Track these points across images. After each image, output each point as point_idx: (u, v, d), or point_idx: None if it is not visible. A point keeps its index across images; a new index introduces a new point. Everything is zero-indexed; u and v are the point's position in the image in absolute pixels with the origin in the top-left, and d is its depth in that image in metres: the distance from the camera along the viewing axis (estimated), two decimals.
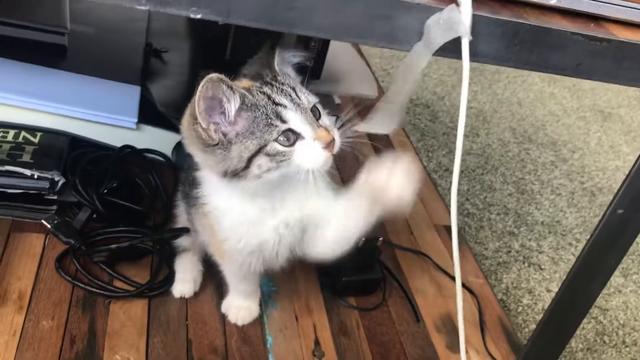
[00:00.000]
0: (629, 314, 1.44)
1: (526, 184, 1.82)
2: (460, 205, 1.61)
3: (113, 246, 0.95)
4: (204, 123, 0.67)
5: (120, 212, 1.02)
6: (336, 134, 0.72)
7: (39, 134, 1.07)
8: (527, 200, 1.75)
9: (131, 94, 1.19)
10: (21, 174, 0.98)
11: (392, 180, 0.70)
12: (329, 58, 1.43)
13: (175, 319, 0.91)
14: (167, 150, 1.16)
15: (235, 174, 0.70)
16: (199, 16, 0.57)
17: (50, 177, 0.99)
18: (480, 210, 1.66)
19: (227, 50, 1.24)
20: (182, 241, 0.98)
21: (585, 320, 1.09)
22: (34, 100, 1.08)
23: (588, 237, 1.63)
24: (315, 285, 1.02)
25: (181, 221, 0.98)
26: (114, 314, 0.89)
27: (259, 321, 0.93)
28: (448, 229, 1.23)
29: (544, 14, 0.64)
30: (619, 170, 2.02)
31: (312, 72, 1.40)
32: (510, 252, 1.54)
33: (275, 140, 0.69)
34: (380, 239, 1.00)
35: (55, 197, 1.00)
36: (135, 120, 1.14)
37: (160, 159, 1.16)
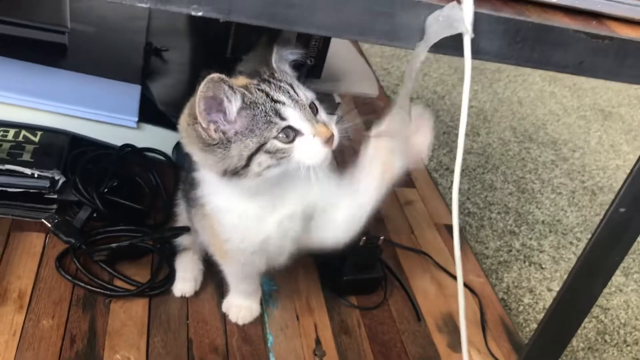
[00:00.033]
0: (630, 313, 1.44)
1: (527, 183, 1.82)
2: (461, 205, 1.60)
3: (113, 245, 0.94)
4: (204, 123, 0.67)
5: (120, 211, 1.02)
6: (335, 129, 0.72)
7: (39, 133, 1.07)
8: (528, 199, 1.75)
9: (131, 92, 1.19)
10: (21, 172, 0.98)
11: (411, 128, 0.71)
12: (329, 57, 1.43)
13: (176, 318, 0.90)
14: (168, 149, 1.16)
15: (235, 173, 0.70)
16: (200, 14, 0.56)
17: (50, 176, 0.99)
18: (481, 210, 1.66)
19: (228, 48, 1.24)
20: (183, 240, 0.97)
21: (586, 320, 1.08)
22: (34, 99, 1.08)
23: (589, 236, 1.64)
24: (316, 284, 1.02)
25: (182, 220, 0.98)
26: (115, 313, 0.89)
27: (259, 320, 0.93)
28: (449, 227, 1.23)
29: (545, 12, 0.64)
30: (620, 169, 2.02)
31: (312, 71, 1.39)
32: (511, 251, 1.54)
33: (275, 137, 0.69)
34: (381, 237, 1.00)
35: (55, 196, 1.00)
36: (136, 119, 1.14)
37: (161, 157, 1.16)
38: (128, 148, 1.13)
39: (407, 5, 0.58)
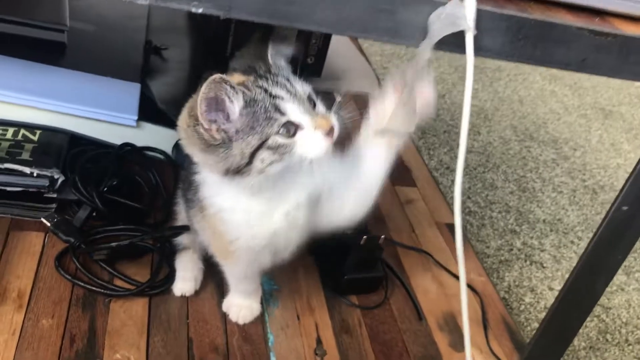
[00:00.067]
0: (632, 312, 1.44)
1: (527, 182, 1.82)
2: (461, 203, 1.60)
3: (113, 244, 0.94)
4: (206, 124, 0.67)
5: (120, 210, 1.01)
6: (334, 120, 0.71)
7: (38, 132, 1.06)
8: (529, 198, 1.74)
9: (131, 91, 1.18)
10: (20, 171, 0.97)
11: (416, 83, 0.69)
12: (329, 56, 1.43)
13: (176, 318, 0.90)
14: (168, 147, 1.15)
15: (237, 171, 0.69)
16: (200, 10, 0.56)
17: (49, 175, 0.98)
18: (482, 208, 1.65)
19: (228, 46, 1.24)
20: (183, 239, 0.97)
21: (587, 319, 1.08)
22: (34, 97, 1.08)
23: (590, 234, 1.64)
24: (317, 283, 1.02)
25: (181, 219, 0.97)
26: (114, 312, 0.88)
27: (260, 320, 0.93)
28: (450, 226, 1.23)
29: (548, 9, 0.63)
30: (621, 168, 2.02)
31: (312, 70, 1.39)
32: (512, 250, 1.53)
33: (277, 133, 0.68)
34: (382, 236, 0.99)
35: (54, 195, 0.99)
36: (135, 117, 1.14)
37: (161, 156, 1.16)
38: (128, 147, 1.13)
39: (409, 2, 0.58)
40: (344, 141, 0.76)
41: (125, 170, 1.09)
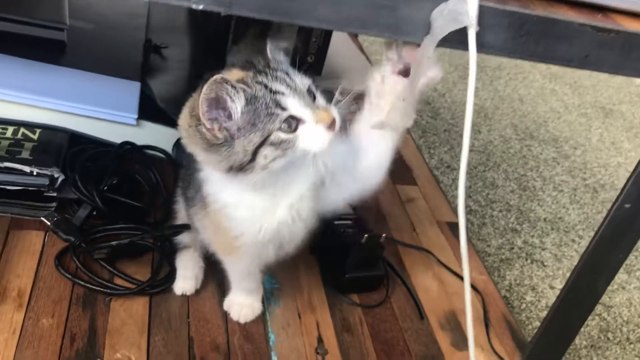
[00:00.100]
0: (633, 310, 1.44)
1: (528, 181, 1.81)
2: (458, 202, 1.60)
3: (113, 243, 0.93)
4: (208, 124, 0.67)
5: (120, 209, 1.01)
6: (335, 113, 0.71)
7: (38, 131, 1.06)
8: (530, 197, 1.74)
9: (131, 90, 1.18)
10: (20, 170, 0.97)
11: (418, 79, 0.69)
12: (329, 54, 1.42)
13: (177, 317, 0.90)
14: (168, 146, 1.15)
15: (241, 168, 0.69)
16: (200, 7, 0.56)
17: (49, 173, 0.98)
18: (483, 207, 1.65)
19: (228, 44, 1.24)
20: (183, 238, 0.97)
21: (589, 317, 1.08)
22: (33, 96, 1.07)
23: (591, 233, 1.63)
24: (318, 282, 1.01)
25: (181, 217, 0.97)
26: (115, 311, 0.88)
27: (261, 318, 0.92)
28: (451, 225, 1.23)
29: (550, 5, 0.63)
30: (621, 166, 2.01)
31: (313, 68, 1.39)
32: (513, 248, 1.53)
33: (279, 129, 0.68)
34: (383, 235, 0.99)
35: (54, 194, 0.99)
36: (135, 116, 1.13)
37: (161, 155, 1.15)
38: (128, 145, 1.12)
39: None
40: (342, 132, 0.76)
41: (125, 169, 1.09)
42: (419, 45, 0.61)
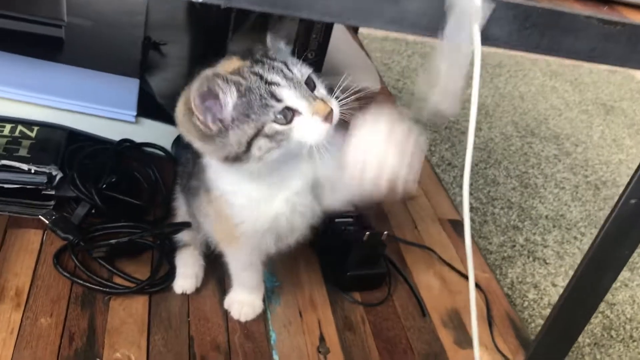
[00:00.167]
0: (636, 308, 1.43)
1: (530, 178, 1.80)
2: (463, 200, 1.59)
3: (112, 241, 0.93)
4: (200, 116, 0.66)
5: (119, 207, 1.00)
6: (334, 104, 0.70)
7: (36, 128, 1.05)
8: (531, 194, 1.73)
9: (130, 87, 1.17)
10: (18, 168, 0.96)
11: (382, 157, 0.64)
12: (330, 51, 1.41)
13: (177, 316, 0.89)
14: (167, 143, 1.14)
15: (236, 159, 0.69)
16: (200, 0, 0.54)
17: (47, 171, 0.97)
18: (484, 205, 1.64)
19: (227, 40, 1.22)
20: (183, 236, 0.96)
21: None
22: (31, 93, 1.06)
23: (593, 230, 1.62)
24: (319, 279, 1.00)
25: (181, 215, 0.96)
26: (114, 310, 0.87)
27: (262, 317, 0.92)
28: (453, 222, 1.22)
29: None
30: (623, 163, 2.00)
31: (313, 65, 1.38)
32: (514, 246, 1.52)
33: (273, 120, 0.67)
34: (385, 233, 0.98)
35: (52, 192, 0.98)
36: (134, 113, 1.12)
37: (160, 152, 1.14)
38: (126, 143, 1.11)
39: None
40: (345, 127, 0.75)
41: (124, 166, 1.08)
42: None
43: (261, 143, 0.68)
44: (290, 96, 0.68)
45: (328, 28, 1.33)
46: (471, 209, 1.61)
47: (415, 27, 0.58)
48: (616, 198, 0.76)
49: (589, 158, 1.99)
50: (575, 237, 1.60)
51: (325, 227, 0.91)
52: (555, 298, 1.37)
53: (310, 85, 0.70)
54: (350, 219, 1.01)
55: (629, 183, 0.75)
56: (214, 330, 0.88)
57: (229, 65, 0.71)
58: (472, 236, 1.44)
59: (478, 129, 1.99)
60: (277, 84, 0.68)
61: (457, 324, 0.99)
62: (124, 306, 0.88)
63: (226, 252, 0.87)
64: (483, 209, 1.62)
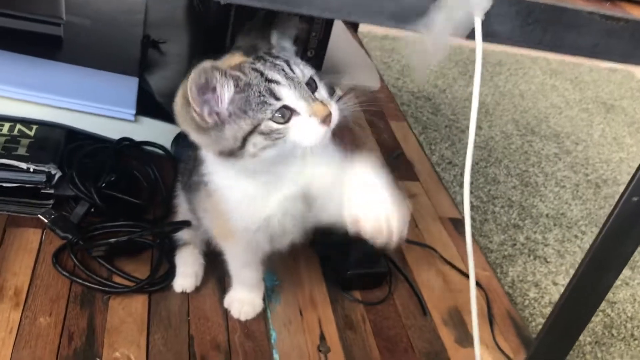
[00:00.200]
0: (637, 306, 1.42)
1: (530, 177, 1.80)
2: (463, 198, 1.59)
3: (112, 240, 0.92)
4: (197, 107, 0.66)
5: (118, 205, 1.00)
6: (334, 107, 0.70)
7: (34, 127, 1.04)
8: (532, 193, 1.73)
9: (129, 85, 1.17)
10: (17, 167, 0.95)
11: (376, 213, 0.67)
12: (329, 49, 1.41)
13: (177, 315, 0.88)
14: (166, 142, 1.13)
15: (231, 154, 0.69)
16: None
17: (46, 170, 0.96)
18: (484, 203, 1.64)
19: (227, 39, 1.22)
20: (183, 234, 0.95)
21: None
22: (30, 92, 1.06)
23: (593, 229, 1.62)
24: (319, 278, 1.00)
25: (181, 212, 0.96)
26: (113, 310, 0.87)
27: (262, 316, 0.91)
28: (453, 221, 1.21)
29: None
30: (623, 162, 2.00)
31: (313, 63, 1.37)
32: (515, 245, 1.52)
33: (270, 118, 0.67)
34: None
35: (52, 191, 0.97)
36: (133, 111, 1.12)
37: (159, 151, 1.14)
38: (126, 141, 1.11)
39: None
40: (344, 133, 0.74)
41: (123, 165, 1.07)
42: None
43: (256, 140, 0.68)
44: (289, 95, 0.68)
45: (328, 26, 1.33)
46: (472, 207, 1.60)
47: (416, 23, 0.58)
48: (617, 196, 0.76)
49: (589, 156, 1.99)
50: (575, 236, 1.60)
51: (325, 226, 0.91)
52: (556, 297, 1.37)
53: (311, 86, 0.70)
54: None
55: (630, 180, 0.75)
56: (214, 329, 0.88)
57: (231, 60, 0.71)
58: (473, 235, 1.44)
59: (478, 127, 1.99)
60: (277, 82, 0.68)
61: (458, 322, 0.99)
62: (123, 305, 0.87)
63: (223, 248, 0.87)
64: (483, 208, 1.62)
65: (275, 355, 0.86)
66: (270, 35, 0.72)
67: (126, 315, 0.86)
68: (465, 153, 0.63)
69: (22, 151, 0.98)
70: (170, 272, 0.93)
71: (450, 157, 1.77)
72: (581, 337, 1.29)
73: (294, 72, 0.69)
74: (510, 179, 1.76)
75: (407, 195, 1.24)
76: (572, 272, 1.45)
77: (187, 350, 0.84)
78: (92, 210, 0.97)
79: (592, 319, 1.35)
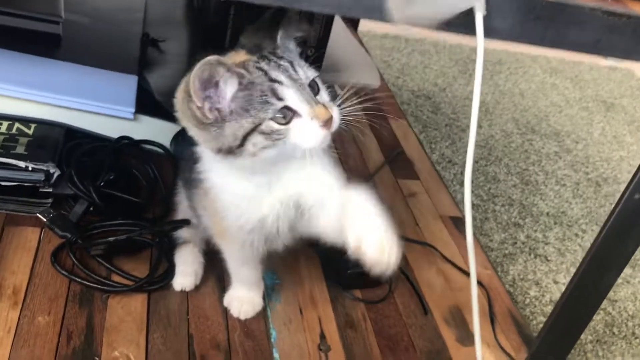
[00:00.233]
0: (638, 305, 1.42)
1: (530, 175, 1.79)
2: (464, 198, 1.58)
3: (111, 239, 0.92)
4: (198, 102, 0.66)
5: (117, 204, 0.99)
6: (335, 111, 0.69)
7: (33, 125, 1.04)
8: (532, 191, 1.72)
9: (128, 83, 1.16)
10: (15, 166, 0.95)
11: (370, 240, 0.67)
12: (329, 48, 1.40)
13: (176, 314, 0.88)
14: (166, 141, 1.13)
15: (229, 152, 0.69)
16: None
17: (45, 169, 0.96)
18: (485, 202, 1.63)
19: (226, 38, 1.22)
20: (183, 233, 0.95)
21: None
22: (28, 90, 1.05)
23: (594, 227, 1.61)
24: (319, 276, 0.99)
25: (182, 210, 0.95)
26: (112, 309, 0.86)
27: (262, 315, 0.91)
28: (454, 219, 1.21)
29: None
30: (624, 160, 2.00)
31: (313, 61, 1.37)
32: (515, 243, 1.51)
33: (272, 118, 0.67)
34: None
35: (50, 190, 0.97)
36: (133, 110, 1.11)
37: (159, 150, 1.13)
38: (125, 140, 1.10)
39: None
40: (344, 138, 0.74)
41: (122, 164, 1.07)
42: None
43: (257, 139, 0.67)
44: (291, 96, 0.67)
45: (328, 23, 1.32)
46: (472, 206, 1.59)
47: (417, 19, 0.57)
48: (617, 195, 0.75)
49: (589, 155, 1.98)
50: (576, 234, 1.60)
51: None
52: (557, 295, 1.36)
53: (314, 88, 0.70)
54: None
55: (633, 177, 0.74)
56: (213, 328, 0.87)
57: (235, 57, 0.70)
58: (473, 233, 1.43)
59: (478, 126, 1.98)
60: (281, 83, 0.67)
61: (459, 321, 0.98)
62: (122, 304, 0.87)
63: (221, 246, 0.87)
64: (484, 206, 1.62)
65: (275, 354, 0.86)
66: (276, 35, 0.72)
67: (125, 314, 0.86)
68: (465, 152, 0.62)
69: (20, 150, 0.98)
70: (170, 271, 0.92)
71: (450, 156, 1.76)
72: (582, 336, 1.28)
73: (297, 74, 0.69)
74: (511, 177, 1.76)
75: (407, 194, 1.24)
76: (572, 270, 1.45)
77: (187, 349, 0.83)
78: (91, 209, 0.97)
79: (594, 317, 1.35)
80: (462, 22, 0.57)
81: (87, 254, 0.92)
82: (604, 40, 0.61)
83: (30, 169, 0.95)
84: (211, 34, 1.31)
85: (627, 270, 1.51)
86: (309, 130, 0.68)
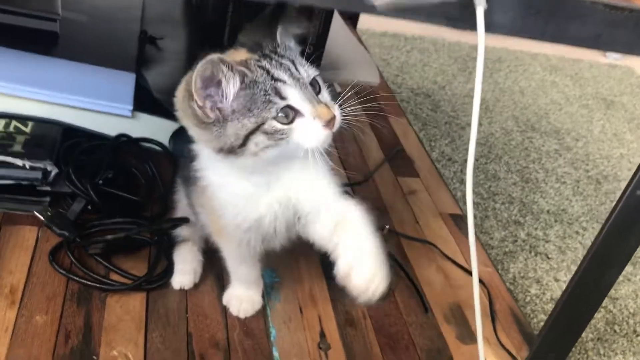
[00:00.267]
0: (639, 302, 1.41)
1: (530, 173, 1.79)
2: (464, 195, 1.57)
3: (109, 237, 0.91)
4: (200, 101, 0.65)
5: (116, 202, 0.99)
6: (337, 111, 0.69)
7: (30, 124, 1.03)
8: (532, 189, 1.72)
9: (126, 81, 1.15)
10: (12, 164, 0.94)
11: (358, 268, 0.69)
12: (328, 45, 1.40)
13: (175, 312, 0.87)
14: (164, 138, 1.12)
15: (231, 151, 0.68)
16: None
17: (42, 167, 0.95)
18: (485, 200, 1.63)
19: (224, 36, 1.21)
20: (182, 231, 0.94)
21: None
22: (25, 88, 1.05)
23: (595, 225, 1.61)
24: (319, 274, 0.99)
25: (181, 208, 0.95)
26: (111, 307, 0.85)
27: (262, 313, 0.90)
28: (454, 217, 1.20)
29: None
30: (624, 157, 1.99)
31: (311, 59, 1.36)
32: (516, 241, 1.51)
33: (274, 118, 0.66)
34: (386, 227, 0.97)
35: (48, 188, 0.96)
36: (131, 107, 1.10)
37: (157, 148, 1.13)
38: (123, 138, 1.10)
39: None
40: (345, 137, 0.74)
41: (120, 161, 1.07)
42: None
43: (259, 139, 0.67)
44: (294, 95, 0.67)
45: (326, 20, 1.31)
46: (472, 204, 1.59)
47: (417, 16, 0.57)
48: (617, 192, 0.75)
49: (589, 152, 1.98)
50: (577, 232, 1.59)
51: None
52: (557, 293, 1.36)
53: (315, 87, 0.69)
54: None
55: (634, 174, 0.74)
56: (212, 326, 0.87)
57: (236, 55, 0.69)
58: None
59: (479, 124, 1.97)
60: (283, 81, 0.67)
61: (460, 319, 0.98)
62: (120, 303, 0.86)
63: (219, 244, 0.86)
64: (484, 204, 1.61)
65: (275, 353, 0.85)
66: (276, 33, 0.71)
67: (124, 313, 0.85)
68: (465, 150, 0.62)
69: (17, 148, 0.97)
70: (169, 269, 0.92)
71: (450, 154, 1.76)
72: (583, 334, 1.28)
73: (299, 73, 0.68)
74: (511, 175, 1.76)
75: (407, 192, 1.24)
76: (573, 268, 1.45)
77: (186, 348, 0.83)
78: (89, 207, 0.96)
79: (595, 315, 1.34)
80: (463, 18, 0.56)
81: (85, 253, 0.91)
82: (605, 34, 0.60)
83: (27, 167, 0.95)
84: (209, 31, 1.31)
85: (628, 268, 1.51)
86: (312, 130, 0.67)
